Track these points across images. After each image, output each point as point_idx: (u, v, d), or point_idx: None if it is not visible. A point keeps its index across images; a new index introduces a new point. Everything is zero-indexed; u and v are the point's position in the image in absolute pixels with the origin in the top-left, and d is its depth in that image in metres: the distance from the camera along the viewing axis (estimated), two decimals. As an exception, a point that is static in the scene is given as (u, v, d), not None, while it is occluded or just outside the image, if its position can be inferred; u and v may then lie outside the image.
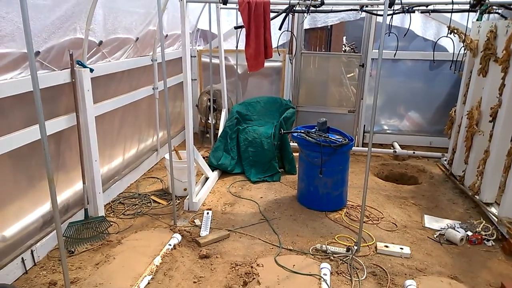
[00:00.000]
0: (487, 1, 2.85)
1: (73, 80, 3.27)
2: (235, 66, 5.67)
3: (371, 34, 5.12)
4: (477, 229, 3.36)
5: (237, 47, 3.78)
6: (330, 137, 3.77)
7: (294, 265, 2.88)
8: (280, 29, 3.68)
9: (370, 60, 5.23)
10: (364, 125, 5.44)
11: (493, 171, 3.63)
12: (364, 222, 3.56)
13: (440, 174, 4.65)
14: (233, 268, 2.87)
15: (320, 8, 3.78)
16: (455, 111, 4.55)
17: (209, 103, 5.66)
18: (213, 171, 4.49)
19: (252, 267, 2.87)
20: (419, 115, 5.57)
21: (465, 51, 4.40)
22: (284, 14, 3.43)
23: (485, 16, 4.36)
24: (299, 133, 3.79)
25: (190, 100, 3.66)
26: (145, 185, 4.34)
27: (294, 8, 3.34)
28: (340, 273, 2.84)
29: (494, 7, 3.94)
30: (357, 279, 2.76)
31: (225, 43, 5.29)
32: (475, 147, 3.98)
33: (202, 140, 5.76)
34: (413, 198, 4.08)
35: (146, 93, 4.55)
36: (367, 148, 5.01)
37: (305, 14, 4.85)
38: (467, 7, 3.65)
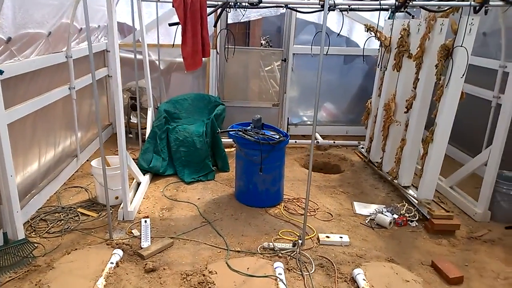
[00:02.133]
0: (411, 3, 3.04)
1: (-24, 84, 2.71)
2: (156, 62, 5.31)
3: (292, 29, 5.21)
4: (401, 212, 3.68)
5: (173, 44, 3.49)
6: (266, 133, 3.76)
7: (248, 268, 2.82)
8: (215, 26, 3.51)
9: (292, 55, 5.33)
10: (288, 118, 5.56)
11: (410, 157, 4.00)
12: (302, 214, 3.66)
13: (359, 161, 4.99)
14: (185, 279, 2.70)
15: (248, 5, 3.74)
16: (370, 103, 4.89)
17: (130, 101, 5.24)
18: (144, 174, 4.17)
19: (204, 275, 2.73)
20: (335, 106, 5.89)
21: (379, 48, 4.73)
22: (220, 10, 3.27)
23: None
24: (236, 132, 3.70)
25: (121, 98, 3.30)
26: (68, 196, 3.85)
27: (229, 3, 3.20)
28: (291, 269, 2.86)
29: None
30: (307, 273, 2.81)
31: (146, 37, 4.90)
32: (391, 136, 4.33)
33: (125, 141, 5.30)
34: (340, 186, 4.31)
35: (61, 94, 4.00)
36: (293, 141, 5.25)
37: (230, 9, 4.74)
38: (390, 8, 3.92)
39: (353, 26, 5.44)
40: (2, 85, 2.90)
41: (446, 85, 3.46)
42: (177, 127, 4.46)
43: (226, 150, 4.69)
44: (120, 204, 3.57)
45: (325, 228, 3.47)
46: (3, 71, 2.88)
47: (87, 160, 4.66)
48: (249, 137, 3.58)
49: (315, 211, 3.75)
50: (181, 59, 5.65)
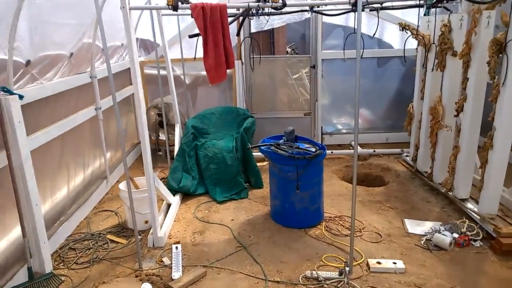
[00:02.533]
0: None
1: (-2, 111, 2.57)
2: (182, 77, 5.12)
3: (319, 34, 4.88)
4: (462, 230, 3.21)
5: (195, 57, 3.26)
6: (300, 147, 3.42)
7: (290, 304, 2.49)
8: (238, 35, 3.25)
9: (321, 61, 4.99)
10: (322, 127, 5.20)
11: (465, 167, 3.53)
12: (346, 235, 3.29)
13: (405, 171, 4.54)
14: (220, 316, 2.41)
15: (272, 10, 3.45)
16: (412, 107, 4.45)
17: (158, 118, 5.06)
18: (174, 195, 3.94)
19: (242, 311, 2.43)
20: (372, 112, 5.46)
21: (417, 47, 4.31)
22: (241, 18, 3.00)
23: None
24: (268, 146, 3.39)
25: (144, 118, 3.08)
26: (98, 221, 3.66)
27: (252, 10, 2.92)
28: (340, 302, 2.50)
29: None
30: (359, 307, 2.44)
31: (169, 52, 4.71)
32: (441, 142, 3.88)
33: (154, 159, 5.12)
34: (387, 201, 3.89)
35: (87, 115, 3.86)
36: (329, 151, 4.87)
37: (252, 17, 4.46)
38: (426, 3, 3.54)
39: (384, 26, 5.04)
40: (25, 110, 2.76)
41: (503, 83, 3.01)
42: (206, 143, 4.22)
43: (258, 164, 4.38)
44: (150, 229, 3.34)
45: (374, 251, 3.07)
46: (23, 96, 2.72)
47: (117, 181, 4.50)
48: (282, 152, 3.26)
49: (361, 231, 3.36)
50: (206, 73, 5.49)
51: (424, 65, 4.13)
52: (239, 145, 4.10)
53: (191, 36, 3.21)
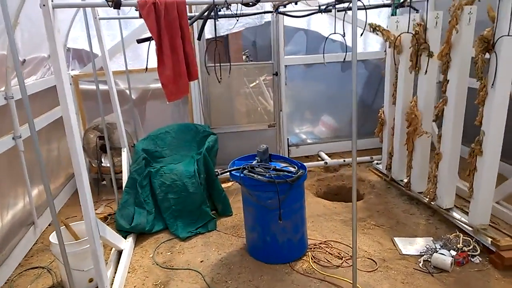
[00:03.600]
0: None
1: None
2: (127, 91, 4.29)
3: (281, 39, 4.34)
4: (457, 245, 2.82)
5: (146, 68, 2.52)
6: (277, 167, 2.83)
7: None
8: (199, 39, 2.58)
9: (284, 67, 4.46)
10: (288, 139, 4.65)
11: (449, 174, 3.16)
12: (338, 266, 2.74)
13: (379, 181, 4.12)
14: None
15: (229, 13, 2.85)
16: (383, 113, 4.06)
17: (99, 141, 4.17)
18: (125, 237, 3.13)
19: None
20: (336, 119, 5.02)
21: (385, 49, 3.95)
22: (204, 18, 2.34)
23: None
24: (241, 171, 2.74)
25: (79, 145, 2.28)
26: (24, 285, 2.73)
27: (217, 8, 2.28)
28: None
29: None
30: None
31: (111, 63, 3.88)
32: (418, 149, 3.50)
33: (98, 191, 4.22)
34: (370, 217, 3.41)
35: (3, 147, 2.93)
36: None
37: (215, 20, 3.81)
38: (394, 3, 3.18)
39: (347, 29, 4.63)
40: None
41: (492, 84, 2.67)
42: (161, 169, 3.45)
43: (222, 186, 3.71)
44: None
45: (373, 283, 2.55)
46: None
47: (49, 225, 3.55)
48: (259, 176, 2.63)
49: (351, 258, 2.83)
50: (156, 85, 4.68)
51: (396, 68, 3.76)
52: (201, 168, 3.40)
53: (140, 41, 2.49)
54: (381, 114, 4.07)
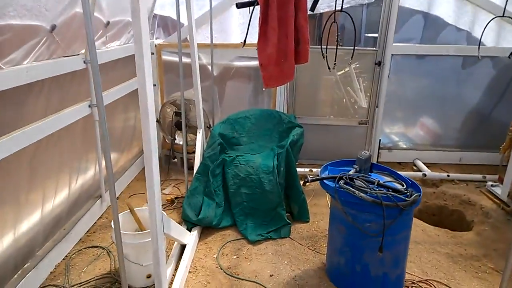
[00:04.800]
0: None
1: None
2: (209, 67, 3.88)
3: (392, 21, 3.54)
4: None
5: (245, 41, 2.00)
6: (380, 181, 2.18)
7: None
8: (312, 10, 2.00)
9: (390, 56, 3.67)
10: (380, 140, 3.91)
11: None
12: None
13: (495, 208, 3.23)
14: None
15: None
16: (517, 125, 3.14)
17: (175, 118, 3.84)
18: (190, 229, 2.75)
19: None
20: (441, 124, 4.09)
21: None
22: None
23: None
24: (336, 182, 2.15)
25: (153, 123, 1.85)
26: (82, 264, 2.48)
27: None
28: None
29: None
30: None
31: (196, 34, 3.46)
32: None
33: (168, 168, 3.93)
34: (486, 257, 2.62)
35: (77, 115, 2.65)
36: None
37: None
38: None
39: (477, 15, 3.67)
40: None
41: None
42: (236, 159, 2.98)
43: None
44: (153, 286, 2.16)
45: None
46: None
47: (117, 198, 3.32)
48: (361, 194, 2.01)
49: (465, 314, 2.13)
50: (240, 63, 4.22)
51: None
52: (282, 164, 2.86)
53: (240, 5, 1.98)
54: (513, 126, 3.14)
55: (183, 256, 2.46)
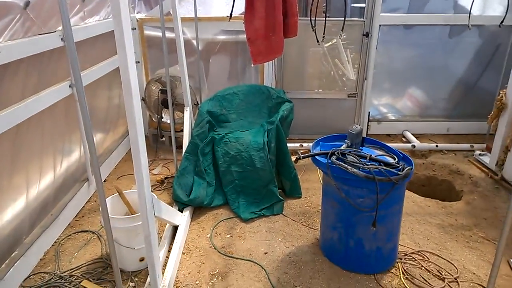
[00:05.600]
0: None
1: None
2: (193, 42, 3.71)
3: (380, -10, 3.42)
4: None
5: (231, 15, 1.87)
6: (373, 156, 2.14)
7: None
8: None
9: (378, 27, 3.56)
10: (369, 112, 3.86)
11: None
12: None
13: (483, 177, 3.26)
14: None
15: None
16: (505, 95, 3.11)
17: (161, 95, 3.71)
18: (182, 210, 2.70)
19: None
20: (428, 94, 4.06)
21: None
22: None
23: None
24: (328, 157, 2.10)
25: (138, 106, 1.75)
26: (71, 250, 2.41)
27: None
28: None
29: None
30: None
31: (179, 7, 3.28)
32: (557, 148, 2.61)
33: (156, 148, 3.83)
34: (476, 226, 2.65)
35: (58, 95, 2.51)
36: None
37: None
38: None
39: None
40: None
41: None
42: (226, 136, 2.90)
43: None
44: (146, 269, 2.13)
45: (491, 325, 1.89)
46: None
47: (104, 181, 3.23)
48: (354, 169, 1.97)
49: (456, 281, 2.16)
50: (225, 36, 4.06)
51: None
52: (272, 140, 2.80)
53: None
54: (502, 96, 3.12)
55: (175, 238, 2.42)
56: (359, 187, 2.01)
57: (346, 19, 3.63)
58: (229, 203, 2.82)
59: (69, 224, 2.65)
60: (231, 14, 1.87)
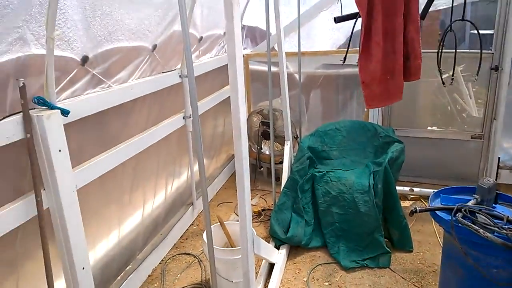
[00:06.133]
0: None
1: (28, 135, 1.52)
2: (296, 75, 3.72)
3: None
4: None
5: (345, 58, 1.82)
6: (510, 217, 1.77)
7: None
8: (423, 18, 1.73)
9: (510, 60, 3.08)
10: (499, 158, 3.28)
11: None
12: None
13: None
14: None
15: None
16: None
17: (262, 127, 3.77)
18: (278, 247, 2.63)
19: None
20: None
21: None
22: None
23: None
24: (452, 213, 1.82)
25: (245, 135, 1.76)
26: (176, 270, 2.52)
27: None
28: None
29: None
30: None
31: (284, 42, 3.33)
32: None
33: (255, 178, 3.87)
34: None
35: (173, 126, 2.73)
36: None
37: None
38: None
39: None
40: (77, 126, 1.73)
41: None
42: (327, 175, 2.77)
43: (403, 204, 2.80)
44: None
45: None
46: (68, 112, 1.64)
47: (207, 207, 3.35)
48: (487, 233, 1.65)
49: None
50: (328, 70, 3.99)
51: None
52: (379, 184, 2.56)
53: (339, 20, 1.81)
54: None
55: (271, 277, 2.34)
56: (493, 255, 1.68)
57: (468, 50, 3.26)
58: (328, 246, 2.65)
59: (174, 244, 2.81)
60: (345, 58, 1.79)
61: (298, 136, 3.63)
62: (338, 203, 2.65)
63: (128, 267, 2.35)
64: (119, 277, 2.26)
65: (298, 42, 3.48)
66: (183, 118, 2.83)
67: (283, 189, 2.85)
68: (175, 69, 2.68)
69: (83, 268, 1.75)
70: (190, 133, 2.93)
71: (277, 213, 2.74)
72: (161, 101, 2.64)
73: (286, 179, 2.91)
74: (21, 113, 1.49)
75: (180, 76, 2.71)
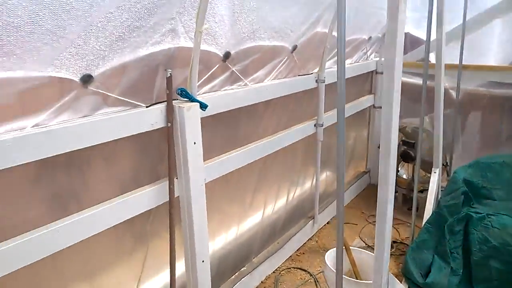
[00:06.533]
0: None
1: (169, 124, 1.55)
2: (451, 91, 3.13)
3: None
4: None
5: None
6: None
7: None
8: None
9: None
10: None
11: None
12: None
13: None
14: None
15: None
16: None
17: (402, 147, 3.29)
18: (411, 292, 2.17)
19: None
20: None
21: None
22: None
23: None
24: None
25: (394, 157, 1.46)
26: (289, 285, 2.34)
27: None
28: None
29: None
30: None
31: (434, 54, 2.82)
32: None
33: (385, 204, 3.40)
34: None
35: (303, 133, 2.55)
36: None
37: None
38: None
39: None
40: (210, 121, 1.73)
41: None
42: (488, 218, 2.15)
43: None
44: None
45: None
46: (206, 106, 1.63)
47: (327, 223, 3.07)
48: None
49: None
50: (495, 90, 3.21)
51: None
52: None
53: None
54: None
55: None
56: None
57: None
58: (480, 309, 2.05)
59: (290, 256, 2.64)
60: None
61: (448, 164, 3.03)
62: (499, 257, 2.02)
63: (243, 268, 2.29)
64: (233, 276, 2.21)
65: (460, 52, 2.93)
66: (314, 125, 2.64)
67: (424, 224, 2.36)
68: (311, 73, 2.51)
69: (203, 261, 1.73)
70: (320, 143, 2.72)
71: (415, 251, 2.27)
72: (293, 105, 2.51)
73: (431, 213, 2.40)
74: (165, 102, 1.54)
75: (316, 80, 2.53)
